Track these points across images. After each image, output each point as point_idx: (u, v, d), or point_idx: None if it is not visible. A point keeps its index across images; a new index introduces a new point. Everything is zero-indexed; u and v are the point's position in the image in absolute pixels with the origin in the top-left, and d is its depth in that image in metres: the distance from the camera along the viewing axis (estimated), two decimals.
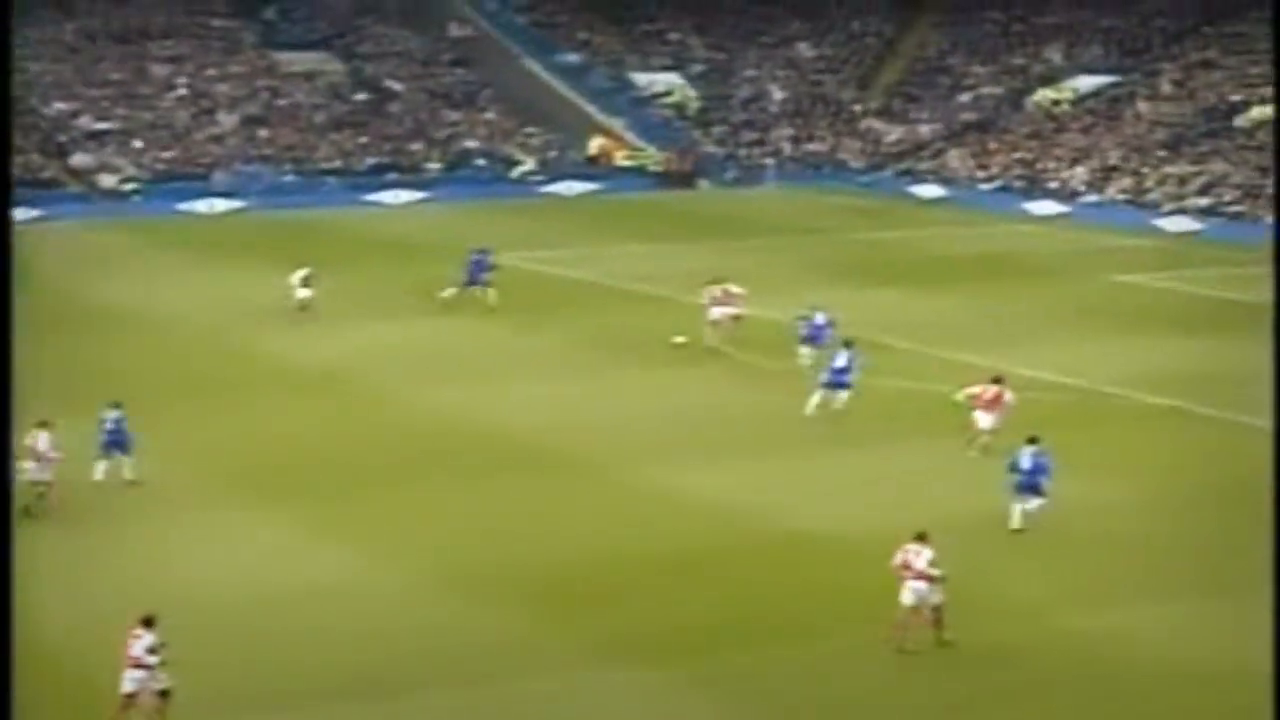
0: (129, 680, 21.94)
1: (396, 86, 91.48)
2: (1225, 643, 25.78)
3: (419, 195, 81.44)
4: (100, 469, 32.64)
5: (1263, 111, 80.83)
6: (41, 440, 30.86)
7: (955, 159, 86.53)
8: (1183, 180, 76.79)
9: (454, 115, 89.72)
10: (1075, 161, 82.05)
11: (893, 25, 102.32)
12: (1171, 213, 74.05)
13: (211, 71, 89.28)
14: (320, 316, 49.52)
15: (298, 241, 66.13)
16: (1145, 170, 79.10)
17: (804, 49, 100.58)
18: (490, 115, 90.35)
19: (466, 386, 42.24)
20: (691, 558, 29.44)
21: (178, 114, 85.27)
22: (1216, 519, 31.96)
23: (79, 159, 79.96)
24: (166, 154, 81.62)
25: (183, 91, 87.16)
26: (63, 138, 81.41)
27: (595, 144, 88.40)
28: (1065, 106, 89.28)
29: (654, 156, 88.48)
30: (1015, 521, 30.83)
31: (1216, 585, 28.30)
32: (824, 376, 39.30)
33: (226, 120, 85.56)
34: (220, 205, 77.54)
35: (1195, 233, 71.32)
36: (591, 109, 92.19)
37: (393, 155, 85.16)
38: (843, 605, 27.27)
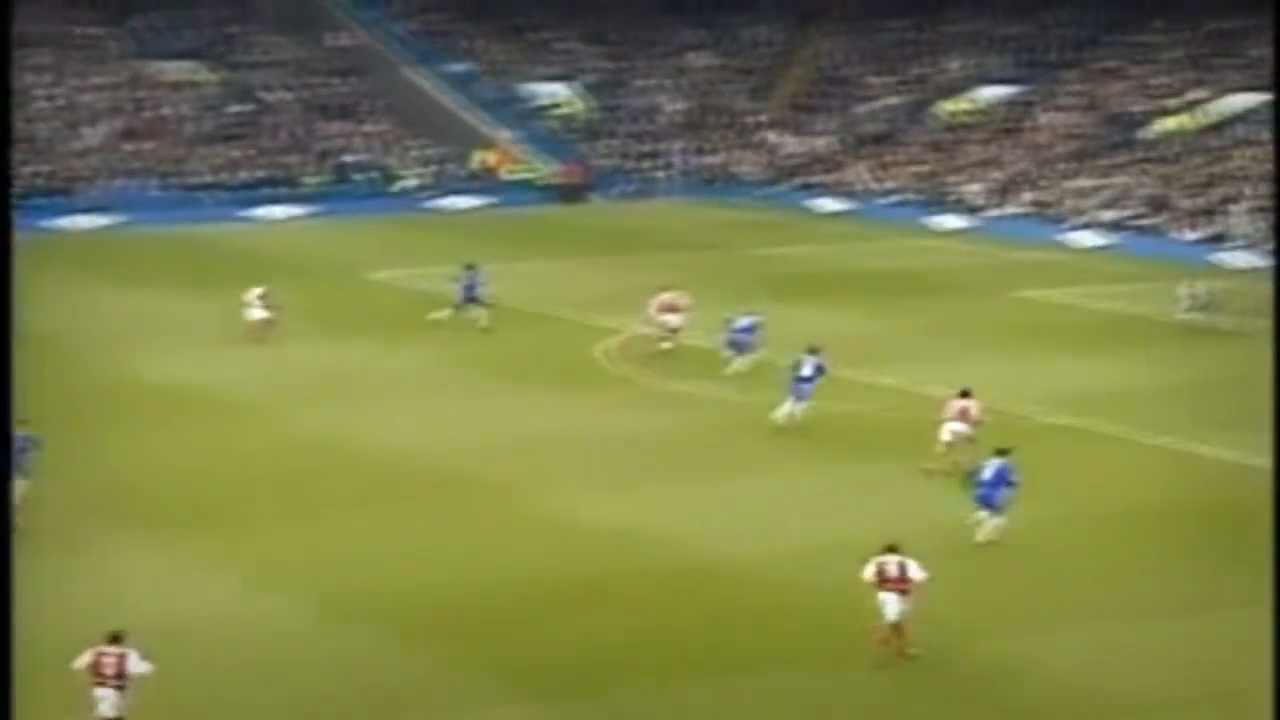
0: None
1: (273, 97, 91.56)
2: (1133, 671, 26.41)
3: (299, 210, 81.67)
4: None
5: (1169, 123, 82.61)
6: None
7: (855, 172, 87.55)
8: (1088, 193, 78.12)
9: (334, 127, 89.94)
10: (978, 174, 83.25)
11: (791, 34, 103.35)
12: (1077, 227, 75.39)
13: (77, 82, 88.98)
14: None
15: (173, 259, 66.24)
16: (1050, 183, 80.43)
17: (699, 58, 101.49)
18: (372, 127, 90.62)
19: (356, 410, 42.65)
20: (593, 586, 29.84)
21: (41, 126, 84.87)
22: (1123, 543, 32.76)
23: None
24: (28, 169, 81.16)
25: (46, 103, 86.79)
26: None
27: (482, 157, 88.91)
28: (967, 117, 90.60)
29: (543, 170, 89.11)
30: (978, 535, 31.81)
31: (1124, 611, 29.01)
32: (791, 384, 40.34)
33: (94, 133, 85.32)
34: (87, 222, 77.41)
35: (1101, 247, 72.69)
36: (478, 120, 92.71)
37: (270, 169, 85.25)
38: (751, 634, 27.77)
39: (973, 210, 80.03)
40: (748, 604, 29.14)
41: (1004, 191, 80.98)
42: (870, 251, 71.82)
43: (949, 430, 36.66)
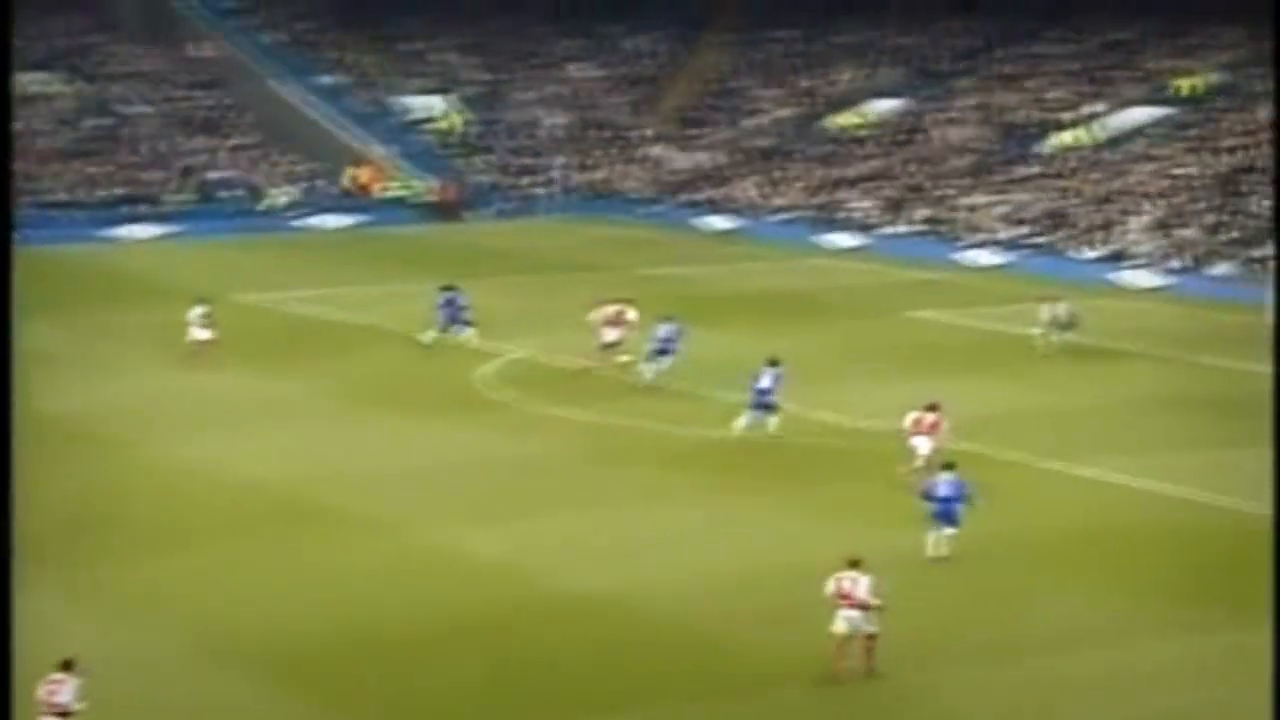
0: None
1: (133, 110, 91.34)
2: (1027, 705, 27.29)
3: (161, 230, 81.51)
4: None
5: (1065, 137, 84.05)
6: None
7: (743, 188, 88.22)
8: (983, 210, 79.27)
9: (197, 142, 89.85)
10: (869, 190, 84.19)
11: (676, 45, 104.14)
12: (972, 245, 76.42)
13: None
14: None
15: (28, 281, 65.89)
16: (944, 199, 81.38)
17: (580, 70, 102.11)
18: (238, 142, 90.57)
19: (224, 439, 42.99)
20: (469, 622, 30.28)
21: None
22: (1016, 573, 33.56)
23: None
24: None
25: None
26: None
27: (354, 174, 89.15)
28: (858, 131, 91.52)
29: (418, 187, 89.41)
30: (930, 549, 32.82)
31: (1017, 644, 29.82)
32: (749, 398, 41.49)
33: None
34: None
35: (997, 266, 73.77)
36: (349, 135, 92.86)
37: (130, 186, 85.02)
38: (631, 669, 28.34)
39: (864, 228, 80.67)
40: (626, 638, 29.68)
41: (896, 208, 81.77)
42: (758, 271, 72.67)
43: (925, 445, 38.00)
